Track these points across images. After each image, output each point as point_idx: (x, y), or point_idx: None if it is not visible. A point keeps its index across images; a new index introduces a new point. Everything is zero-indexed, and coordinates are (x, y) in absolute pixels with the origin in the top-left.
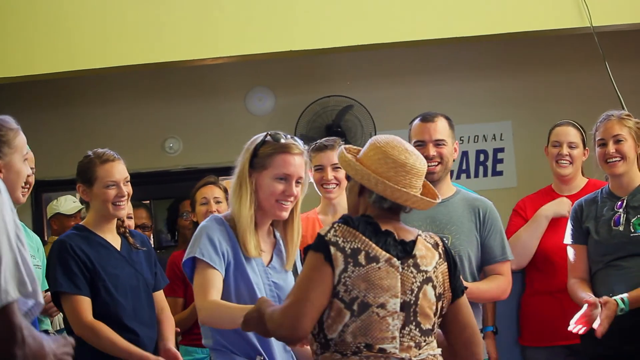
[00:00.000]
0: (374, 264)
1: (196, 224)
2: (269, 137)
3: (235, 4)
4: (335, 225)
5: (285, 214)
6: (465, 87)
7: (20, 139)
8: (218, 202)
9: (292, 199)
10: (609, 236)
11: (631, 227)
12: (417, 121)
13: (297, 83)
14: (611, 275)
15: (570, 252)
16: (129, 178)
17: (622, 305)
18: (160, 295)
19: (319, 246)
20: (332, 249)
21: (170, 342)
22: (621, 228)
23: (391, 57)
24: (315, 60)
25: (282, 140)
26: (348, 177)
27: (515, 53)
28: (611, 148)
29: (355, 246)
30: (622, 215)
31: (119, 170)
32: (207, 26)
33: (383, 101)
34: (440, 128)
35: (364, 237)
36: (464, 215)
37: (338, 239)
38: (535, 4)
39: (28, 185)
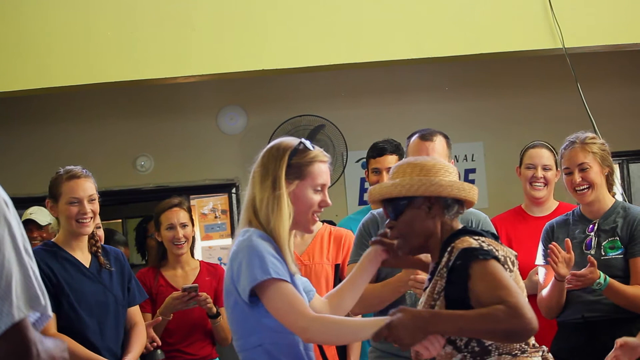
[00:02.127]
0: (515, 267)
1: (161, 244)
2: (302, 145)
3: (208, 23)
4: (476, 237)
5: (314, 228)
6: (437, 107)
7: None
8: (184, 227)
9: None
10: (581, 259)
11: (602, 250)
12: (415, 138)
13: (269, 102)
14: (583, 296)
15: (541, 273)
16: (95, 196)
17: (601, 280)
18: (134, 311)
19: (487, 254)
20: (497, 255)
21: (131, 355)
22: (592, 252)
23: (363, 77)
24: (287, 80)
25: (315, 149)
26: (397, 211)
27: (487, 74)
28: (577, 177)
29: (502, 253)
30: (593, 238)
31: (84, 188)
32: (180, 45)
33: (355, 121)
34: (438, 147)
35: (499, 244)
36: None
37: (492, 247)
38: (507, 25)
39: None
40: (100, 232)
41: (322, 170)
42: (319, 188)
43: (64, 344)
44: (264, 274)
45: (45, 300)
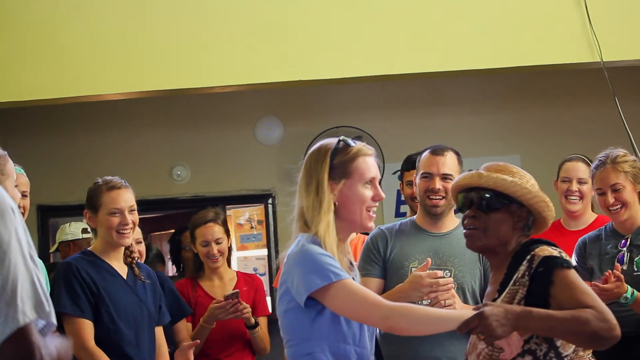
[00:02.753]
0: None
1: (197, 255)
2: (342, 143)
3: (245, 33)
4: (553, 247)
5: (373, 224)
6: (475, 120)
7: (10, 165)
8: (219, 243)
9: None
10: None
11: (634, 265)
12: (426, 153)
13: (306, 113)
14: (615, 312)
15: None
16: (135, 207)
17: (628, 295)
18: (159, 331)
19: (569, 263)
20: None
21: None
22: (625, 267)
23: (401, 89)
24: (324, 91)
25: (357, 143)
26: (493, 205)
27: (525, 86)
28: (610, 198)
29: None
30: (626, 253)
31: (125, 199)
32: (216, 54)
33: (392, 133)
34: (449, 162)
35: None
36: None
37: (569, 258)
38: (546, 38)
39: (22, 210)
40: (142, 248)
41: (368, 163)
42: (368, 182)
43: (69, 342)
44: (322, 280)
45: (49, 307)
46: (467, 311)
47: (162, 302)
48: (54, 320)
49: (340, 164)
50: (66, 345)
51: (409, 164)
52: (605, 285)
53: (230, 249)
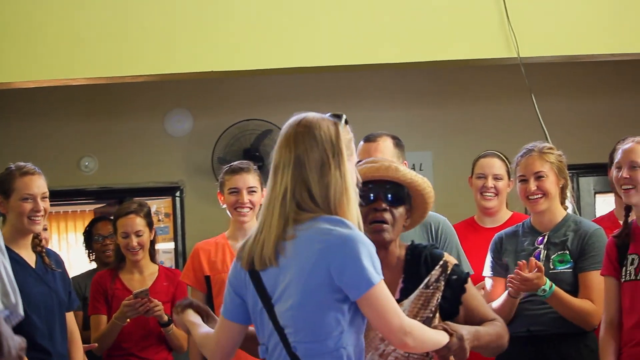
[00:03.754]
0: None
1: (118, 247)
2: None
3: (157, 23)
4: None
5: None
6: (387, 115)
7: None
8: (139, 235)
9: None
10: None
11: (551, 263)
12: (361, 142)
13: (216, 106)
14: (529, 309)
15: (489, 284)
16: (47, 194)
17: (546, 287)
18: (70, 317)
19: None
20: None
21: None
22: (541, 264)
23: (312, 82)
24: (235, 83)
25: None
26: (401, 199)
27: (439, 82)
28: (532, 185)
29: None
30: (542, 251)
31: (38, 185)
32: (128, 44)
33: None
34: (383, 148)
35: None
36: (416, 233)
37: None
38: (463, 32)
39: None
40: (46, 235)
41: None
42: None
43: (24, 342)
44: (378, 276)
45: (16, 298)
46: (442, 332)
47: (71, 288)
48: (21, 311)
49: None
50: (22, 344)
51: None
52: (527, 275)
53: (153, 242)
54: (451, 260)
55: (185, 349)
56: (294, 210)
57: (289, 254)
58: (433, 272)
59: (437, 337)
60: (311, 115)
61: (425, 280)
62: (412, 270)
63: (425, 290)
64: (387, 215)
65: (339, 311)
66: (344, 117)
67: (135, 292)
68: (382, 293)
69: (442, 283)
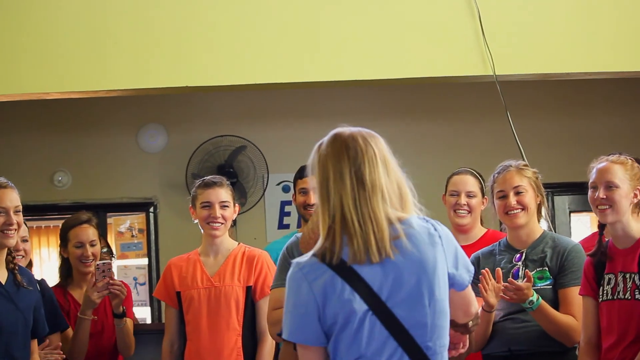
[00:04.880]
0: None
1: (66, 260)
2: None
3: (131, 38)
4: None
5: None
6: None
7: None
8: (93, 245)
9: None
10: (508, 290)
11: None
12: None
13: (190, 121)
14: (509, 328)
15: None
16: (20, 208)
17: (533, 299)
18: (34, 345)
19: None
20: None
21: None
22: (520, 281)
23: (287, 99)
24: (209, 99)
25: None
26: None
27: (413, 99)
28: (512, 200)
29: None
30: (521, 267)
31: (10, 198)
32: (102, 59)
33: (277, 143)
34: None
35: None
36: None
37: None
38: (438, 50)
39: None
40: (27, 246)
41: None
42: None
43: None
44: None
45: None
46: None
47: (41, 311)
48: None
49: None
50: None
51: (301, 172)
52: (520, 284)
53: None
54: None
55: (132, 352)
56: (391, 210)
57: (404, 252)
58: None
59: None
60: (359, 128)
61: None
62: None
63: None
64: None
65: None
66: None
67: (97, 263)
68: None
69: None
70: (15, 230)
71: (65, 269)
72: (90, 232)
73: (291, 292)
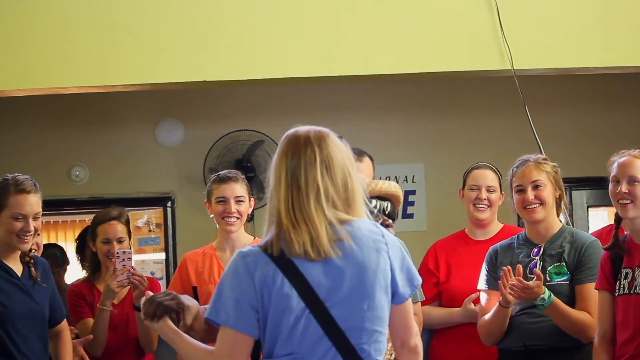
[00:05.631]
0: None
1: (95, 255)
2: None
3: (148, 32)
4: None
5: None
6: (379, 127)
7: None
8: (121, 241)
9: None
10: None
11: (547, 275)
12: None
13: (208, 116)
14: (525, 323)
15: (483, 297)
16: (40, 213)
17: (545, 296)
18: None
19: None
20: None
21: None
22: (540, 273)
23: (305, 93)
24: (227, 93)
25: None
26: None
27: (432, 93)
28: (530, 194)
29: None
30: (538, 262)
31: (31, 204)
32: (119, 53)
33: None
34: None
35: None
36: None
37: None
38: (457, 44)
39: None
40: (39, 240)
41: None
42: None
43: None
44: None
45: None
46: None
47: (56, 298)
48: None
49: None
50: None
51: None
52: (528, 283)
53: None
54: None
55: (155, 347)
56: (332, 210)
57: (347, 254)
58: None
59: None
60: (314, 127)
61: None
62: None
63: None
64: None
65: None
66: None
67: (117, 250)
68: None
69: None
70: (32, 236)
71: (94, 263)
72: (118, 229)
73: (232, 277)
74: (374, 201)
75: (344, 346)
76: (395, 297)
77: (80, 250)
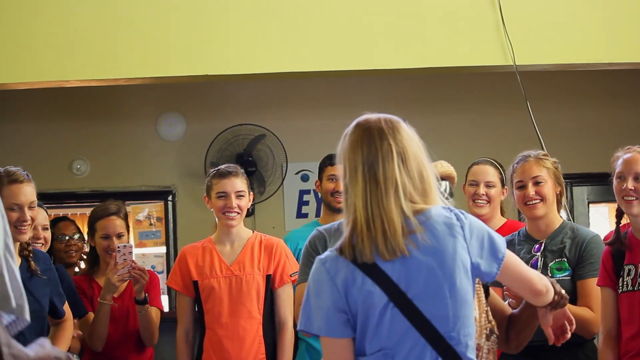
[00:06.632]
0: None
1: (94, 249)
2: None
3: (151, 26)
4: None
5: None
6: None
7: None
8: (120, 236)
9: None
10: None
11: (549, 271)
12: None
13: (209, 110)
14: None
15: None
16: (35, 202)
17: None
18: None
19: None
20: None
21: None
22: (539, 272)
23: (306, 87)
24: (228, 87)
25: None
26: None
27: (434, 89)
28: (531, 190)
29: None
30: (539, 259)
31: (25, 193)
32: (121, 46)
33: (296, 132)
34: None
35: None
36: None
37: None
38: (458, 40)
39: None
40: (48, 234)
41: None
42: None
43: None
44: (503, 240)
45: (19, 302)
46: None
47: (59, 297)
48: (27, 317)
49: None
50: (50, 353)
51: (331, 159)
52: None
53: None
54: None
55: (155, 340)
56: (409, 202)
57: (422, 244)
58: None
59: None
60: (384, 115)
61: None
62: None
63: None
64: None
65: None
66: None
67: (118, 245)
68: (510, 252)
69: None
70: (29, 225)
71: (92, 257)
72: (117, 224)
73: (315, 285)
74: (442, 183)
75: (431, 335)
76: (483, 276)
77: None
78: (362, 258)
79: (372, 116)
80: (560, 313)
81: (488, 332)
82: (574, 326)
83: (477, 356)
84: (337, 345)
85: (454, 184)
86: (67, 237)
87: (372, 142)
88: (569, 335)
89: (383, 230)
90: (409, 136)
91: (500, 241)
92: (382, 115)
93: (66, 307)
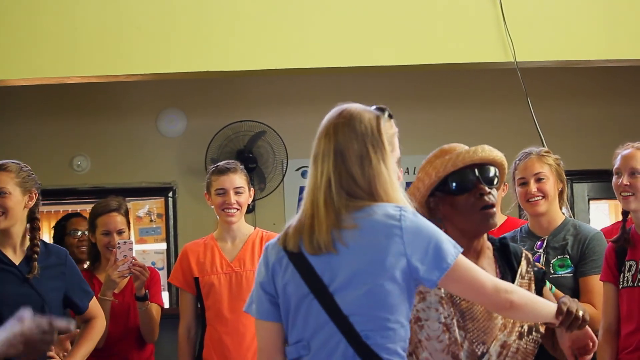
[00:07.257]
0: None
1: (94, 246)
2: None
3: (151, 22)
4: None
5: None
6: None
7: None
8: (121, 233)
9: None
10: None
11: (551, 268)
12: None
13: (210, 106)
14: None
15: None
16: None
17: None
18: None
19: None
20: None
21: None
22: (541, 266)
23: (308, 84)
24: (229, 84)
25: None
26: (496, 179)
27: (435, 85)
28: (533, 187)
29: None
30: (542, 255)
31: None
32: (122, 43)
33: (297, 129)
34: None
35: None
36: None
37: None
38: (459, 36)
39: None
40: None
41: None
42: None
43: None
44: (455, 248)
45: None
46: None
47: (79, 290)
48: None
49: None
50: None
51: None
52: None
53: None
54: (529, 253)
55: (156, 337)
56: (344, 199)
57: (352, 241)
58: (521, 264)
59: (543, 303)
60: (354, 106)
61: (518, 272)
62: (503, 260)
63: (522, 281)
64: (493, 199)
65: (411, 299)
66: (388, 110)
67: (119, 241)
68: (464, 262)
69: (532, 274)
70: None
71: (93, 254)
72: (118, 221)
73: (257, 269)
74: (491, 169)
75: (348, 332)
76: (422, 281)
77: (57, 239)
78: (288, 246)
79: (337, 109)
80: (581, 334)
81: (523, 330)
82: (597, 346)
83: (501, 354)
84: (266, 329)
85: (503, 173)
86: (79, 233)
87: (320, 138)
88: (589, 356)
89: (311, 225)
90: (359, 134)
91: (450, 250)
92: (345, 108)
93: (93, 304)
